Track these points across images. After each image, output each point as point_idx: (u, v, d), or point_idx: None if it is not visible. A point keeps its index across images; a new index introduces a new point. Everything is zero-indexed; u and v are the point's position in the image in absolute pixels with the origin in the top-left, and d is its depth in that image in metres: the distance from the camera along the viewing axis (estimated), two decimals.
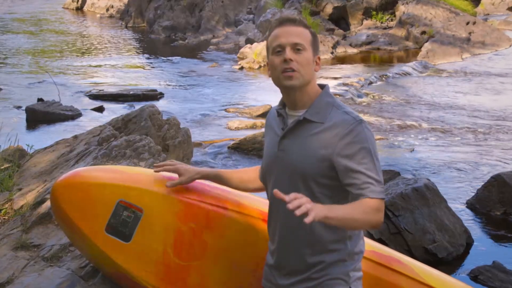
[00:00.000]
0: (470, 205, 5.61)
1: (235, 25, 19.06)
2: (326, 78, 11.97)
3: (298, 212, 1.71)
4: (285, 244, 2.11)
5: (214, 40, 17.62)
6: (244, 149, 7.37)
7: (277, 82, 2.07)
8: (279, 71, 2.03)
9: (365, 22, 17.21)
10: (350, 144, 1.97)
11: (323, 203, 1.96)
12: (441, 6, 16.36)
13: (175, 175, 2.36)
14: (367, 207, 1.92)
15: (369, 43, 15.87)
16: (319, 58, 2.10)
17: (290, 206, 1.72)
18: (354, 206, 1.92)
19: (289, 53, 2.00)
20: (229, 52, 15.61)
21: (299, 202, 1.73)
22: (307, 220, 1.71)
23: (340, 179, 1.99)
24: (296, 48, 2.01)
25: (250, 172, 2.37)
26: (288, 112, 2.11)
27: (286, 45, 2.01)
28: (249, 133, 7.88)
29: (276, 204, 2.11)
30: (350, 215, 1.89)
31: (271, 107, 2.27)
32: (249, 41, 15.30)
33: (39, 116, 8.99)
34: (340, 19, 17.32)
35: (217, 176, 2.38)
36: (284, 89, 2.08)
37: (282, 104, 2.15)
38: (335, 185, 2.02)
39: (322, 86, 2.13)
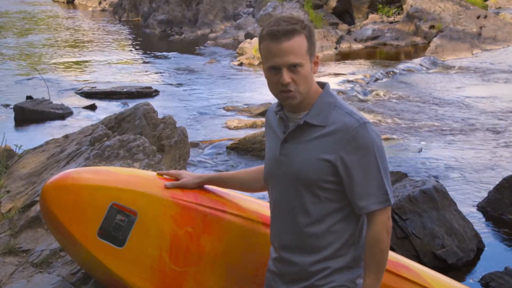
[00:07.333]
0: (481, 208, 5.54)
1: (234, 19, 18.98)
2: (330, 74, 11.89)
3: None
4: (289, 251, 2.08)
5: (212, 35, 17.49)
6: (244, 149, 7.33)
7: (275, 96, 2.02)
8: (277, 90, 1.97)
9: (370, 16, 17.14)
10: (354, 149, 1.93)
11: (329, 207, 1.98)
12: None
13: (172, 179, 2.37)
14: (381, 242, 1.97)
15: (374, 38, 15.74)
16: (317, 57, 2.02)
17: None
18: (378, 262, 1.99)
19: (286, 76, 1.92)
20: (228, 48, 15.56)
21: None
22: None
23: (343, 185, 1.98)
24: (293, 66, 1.93)
25: (253, 172, 2.34)
26: (287, 115, 2.06)
27: (282, 67, 1.93)
28: (249, 132, 7.86)
29: (279, 210, 2.09)
30: (382, 272, 2.00)
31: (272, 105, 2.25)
32: (249, 36, 15.20)
33: (28, 115, 8.86)
34: (344, 13, 17.25)
35: (219, 179, 2.38)
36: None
37: (280, 105, 2.08)
38: (340, 189, 1.99)
39: (322, 85, 2.06)
